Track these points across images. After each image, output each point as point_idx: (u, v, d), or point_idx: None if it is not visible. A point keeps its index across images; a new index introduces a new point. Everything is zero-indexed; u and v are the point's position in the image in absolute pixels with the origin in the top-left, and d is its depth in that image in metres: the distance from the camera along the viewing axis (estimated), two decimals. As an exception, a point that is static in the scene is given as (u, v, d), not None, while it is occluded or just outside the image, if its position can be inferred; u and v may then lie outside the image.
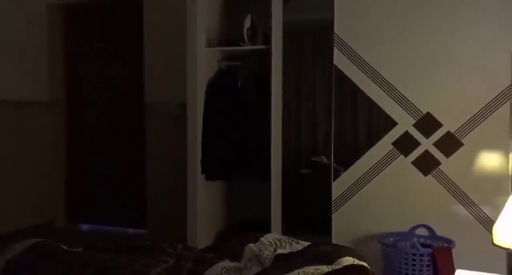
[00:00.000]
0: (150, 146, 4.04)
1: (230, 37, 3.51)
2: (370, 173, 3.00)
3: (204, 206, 3.48)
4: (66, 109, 4.50)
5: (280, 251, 1.91)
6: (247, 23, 3.34)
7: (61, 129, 4.48)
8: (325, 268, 1.56)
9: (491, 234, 2.71)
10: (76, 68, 4.51)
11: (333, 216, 3.07)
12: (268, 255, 1.86)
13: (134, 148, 4.21)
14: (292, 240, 2.03)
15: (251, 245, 1.93)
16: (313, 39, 3.40)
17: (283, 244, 1.96)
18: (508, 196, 2.69)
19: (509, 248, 1.93)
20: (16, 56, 4.16)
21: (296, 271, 1.51)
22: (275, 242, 1.97)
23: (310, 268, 1.53)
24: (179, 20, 3.55)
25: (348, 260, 1.74)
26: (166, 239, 3.02)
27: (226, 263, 1.81)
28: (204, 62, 3.44)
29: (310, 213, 3.39)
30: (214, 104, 3.43)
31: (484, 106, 2.73)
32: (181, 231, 3.52)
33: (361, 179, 3.01)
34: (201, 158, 3.40)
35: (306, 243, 2.02)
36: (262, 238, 1.99)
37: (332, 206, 3.07)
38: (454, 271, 2.45)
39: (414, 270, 2.64)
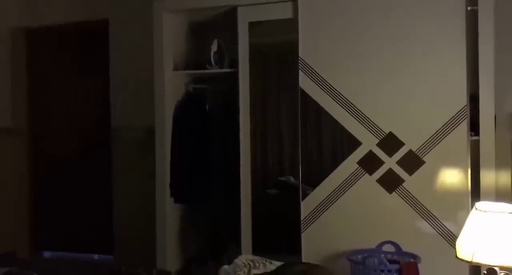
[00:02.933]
0: (116, 170, 4.01)
1: (197, 60, 3.57)
2: (337, 192, 3.07)
3: (173, 230, 3.47)
4: (29, 135, 4.41)
5: (254, 271, 1.94)
6: (214, 47, 3.41)
7: (23, 155, 4.39)
8: (300, 287, 1.60)
9: (454, 248, 2.84)
10: (39, 93, 4.44)
11: (302, 235, 3.12)
12: (243, 276, 1.89)
13: (101, 172, 4.16)
14: (266, 260, 2.07)
15: (225, 267, 1.95)
16: (279, 62, 3.50)
17: (257, 264, 2.00)
18: (468, 211, 2.82)
19: (471, 261, 2.01)
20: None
21: (272, 291, 1.54)
22: (248, 263, 2.00)
23: (286, 288, 1.57)
24: (146, 43, 3.59)
25: (322, 278, 1.79)
26: (135, 264, 3.01)
27: (201, 286, 1.83)
28: (171, 85, 3.47)
29: (280, 232, 3.43)
30: (182, 127, 3.46)
31: (443, 126, 2.86)
32: (149, 256, 3.49)
33: (329, 198, 3.08)
34: (170, 181, 3.40)
35: (279, 263, 2.06)
36: (236, 260, 2.02)
37: (302, 225, 3.12)
38: (420, 285, 2.54)
39: (383, 286, 2.71)
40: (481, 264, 2.02)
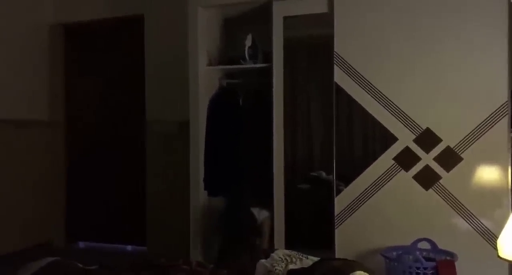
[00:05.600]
0: (150, 163, 4.06)
1: (231, 55, 3.58)
2: (372, 188, 3.04)
3: (206, 222, 3.50)
4: (66, 128, 4.51)
5: (291, 266, 1.94)
6: (248, 42, 3.41)
7: (60, 148, 4.49)
8: (339, 283, 1.59)
9: (492, 246, 2.80)
10: (76, 88, 4.53)
11: (336, 230, 3.10)
12: (281, 270, 1.89)
13: (135, 166, 4.22)
14: (302, 255, 2.07)
15: (263, 261, 1.96)
16: (313, 56, 3.48)
17: (294, 259, 2.00)
18: (508, 209, 2.76)
19: (514, 261, 1.97)
20: (17, 75, 4.18)
21: (312, 286, 1.54)
22: (285, 258, 2.00)
23: (325, 283, 1.57)
24: (181, 38, 3.62)
25: (360, 274, 1.78)
26: (171, 256, 3.04)
27: (240, 280, 1.84)
28: (205, 80, 3.50)
29: (312, 228, 3.43)
30: (216, 121, 3.48)
31: (483, 121, 2.80)
32: (181, 247, 3.54)
33: (363, 194, 3.06)
34: (204, 175, 3.43)
35: (315, 258, 2.06)
36: (273, 254, 2.02)
37: (335, 220, 3.10)
38: (457, 284, 2.49)
39: (418, 283, 2.68)
40: (524, 263, 1.97)
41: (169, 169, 3.95)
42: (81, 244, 4.56)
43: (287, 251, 2.08)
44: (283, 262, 1.96)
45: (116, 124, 4.42)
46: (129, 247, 4.50)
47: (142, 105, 4.08)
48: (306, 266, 1.95)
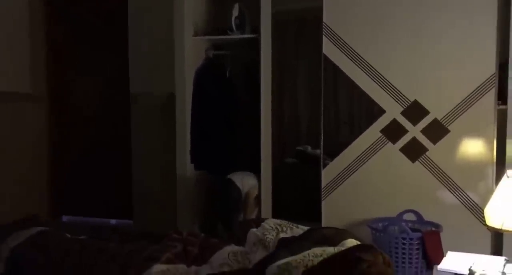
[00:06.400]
0: (136, 136, 4.01)
1: (217, 26, 3.51)
2: (358, 160, 3.05)
3: (193, 196, 3.49)
4: (50, 101, 4.41)
5: (282, 235, 1.95)
6: (235, 12, 3.35)
7: (44, 121, 4.39)
8: (332, 250, 1.60)
9: (476, 217, 2.85)
10: (59, 60, 4.42)
11: (323, 202, 3.12)
12: (272, 239, 1.90)
13: (120, 139, 4.16)
14: (292, 225, 2.07)
15: (254, 230, 1.96)
16: (302, 28, 3.44)
17: (284, 228, 2.00)
18: (492, 181, 2.80)
19: (501, 229, 2.00)
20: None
21: (306, 253, 1.54)
22: (276, 227, 2.00)
23: (318, 250, 1.57)
24: (165, 8, 3.53)
25: (351, 242, 1.79)
26: (155, 229, 3.03)
27: (232, 248, 1.83)
28: (191, 51, 3.43)
29: (299, 201, 3.44)
30: (202, 93, 3.43)
31: (470, 94, 2.81)
32: (168, 221, 3.53)
33: (350, 166, 3.07)
34: (190, 148, 3.40)
35: (305, 228, 2.06)
36: (263, 223, 2.02)
37: (322, 193, 3.11)
38: (442, 254, 2.53)
39: (404, 253, 2.72)
40: (511, 231, 2.00)
41: (155, 142, 3.90)
42: (65, 218, 4.52)
43: (278, 221, 2.09)
44: (274, 231, 1.96)
45: (100, 97, 4.34)
46: (113, 221, 4.47)
47: (126, 76, 4.00)
48: (296, 235, 1.95)
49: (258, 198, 3.22)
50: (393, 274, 1.52)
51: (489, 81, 2.78)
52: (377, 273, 1.42)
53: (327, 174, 3.11)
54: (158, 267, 1.57)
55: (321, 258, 1.49)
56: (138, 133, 3.95)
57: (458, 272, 2.12)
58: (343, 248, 1.65)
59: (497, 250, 2.72)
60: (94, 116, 4.36)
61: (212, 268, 1.68)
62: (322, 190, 3.12)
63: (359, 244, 1.73)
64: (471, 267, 2.10)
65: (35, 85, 4.32)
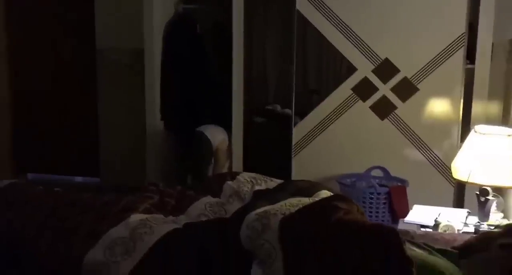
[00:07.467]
0: (102, 93, 3.90)
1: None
2: (329, 118, 3.08)
3: (162, 153, 3.47)
4: (8, 58, 4.22)
5: (257, 187, 1.97)
6: (206, -36, 3.25)
7: (3, 79, 4.22)
8: (307, 200, 1.63)
9: (441, 173, 2.95)
10: (17, 15, 4.21)
11: (293, 159, 3.16)
12: (247, 191, 1.92)
13: (86, 96, 4.05)
14: (267, 178, 2.09)
15: (229, 182, 1.97)
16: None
17: (259, 181, 2.02)
18: (457, 140, 2.89)
19: (467, 181, 2.08)
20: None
21: (283, 202, 1.57)
22: (251, 180, 2.02)
23: (294, 200, 1.60)
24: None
25: (326, 193, 1.83)
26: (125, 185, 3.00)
27: (208, 199, 1.84)
28: (160, 5, 3.33)
29: (270, 158, 3.46)
30: (172, 49, 3.36)
31: (440, 52, 2.86)
32: (136, 178, 3.49)
33: (321, 124, 3.10)
34: (160, 106, 3.35)
35: (279, 181, 2.09)
36: (238, 176, 2.03)
37: (293, 150, 3.15)
38: (408, 208, 2.63)
39: (371, 208, 2.80)
40: (476, 184, 2.09)
41: (123, 99, 3.81)
42: (30, 176, 4.42)
43: (252, 174, 2.11)
44: (249, 183, 1.98)
45: (65, 52, 4.18)
46: (79, 179, 4.39)
47: (92, 31, 3.85)
48: (271, 188, 1.98)
49: (229, 151, 3.23)
50: (367, 222, 1.56)
51: (458, 40, 2.82)
52: (354, 220, 1.46)
53: (298, 131, 3.14)
54: (135, 216, 1.56)
55: (298, 208, 1.52)
56: (105, 91, 3.84)
57: (424, 224, 2.21)
58: (317, 199, 1.69)
59: (459, 203, 2.83)
60: (57, 72, 4.21)
61: (189, 218, 1.69)
62: (293, 148, 3.15)
63: (335, 194, 1.77)
64: (436, 218, 2.20)
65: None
